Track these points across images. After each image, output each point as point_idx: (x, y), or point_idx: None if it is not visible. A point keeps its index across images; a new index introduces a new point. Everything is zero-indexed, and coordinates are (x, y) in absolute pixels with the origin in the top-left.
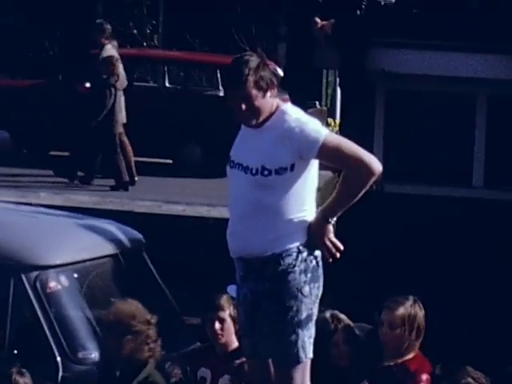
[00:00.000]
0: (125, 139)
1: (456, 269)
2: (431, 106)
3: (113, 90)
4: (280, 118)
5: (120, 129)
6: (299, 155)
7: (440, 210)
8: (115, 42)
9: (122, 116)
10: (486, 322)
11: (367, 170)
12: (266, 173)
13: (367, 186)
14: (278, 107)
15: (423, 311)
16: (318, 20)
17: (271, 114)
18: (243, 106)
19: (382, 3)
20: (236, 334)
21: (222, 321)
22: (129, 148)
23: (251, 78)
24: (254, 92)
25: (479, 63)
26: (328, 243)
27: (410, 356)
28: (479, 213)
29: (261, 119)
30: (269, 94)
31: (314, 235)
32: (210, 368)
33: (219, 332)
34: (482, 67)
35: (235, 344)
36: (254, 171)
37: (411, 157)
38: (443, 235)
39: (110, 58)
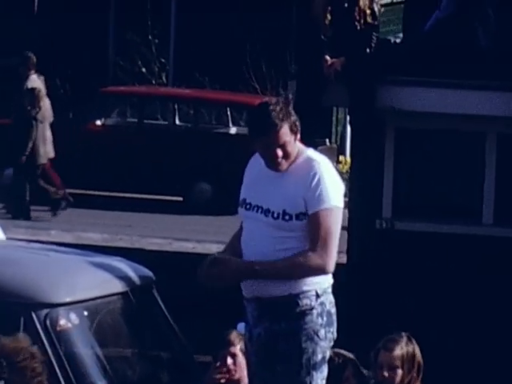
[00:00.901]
0: (51, 173)
1: (465, 305)
2: (441, 143)
3: (34, 122)
4: (306, 164)
5: (42, 161)
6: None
7: (450, 248)
8: (41, 76)
9: (46, 149)
10: (493, 358)
11: (322, 264)
12: (287, 217)
13: (307, 274)
14: (300, 151)
15: (417, 347)
16: (327, 58)
17: (295, 159)
18: (279, 153)
19: (392, 41)
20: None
21: (233, 356)
22: (58, 181)
23: (286, 125)
24: (289, 138)
25: (489, 101)
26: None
27: None
28: (489, 250)
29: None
30: (294, 137)
31: (225, 268)
32: None
33: (232, 367)
34: (491, 105)
35: (246, 380)
36: (275, 215)
37: (421, 194)
38: (452, 273)
39: (34, 89)
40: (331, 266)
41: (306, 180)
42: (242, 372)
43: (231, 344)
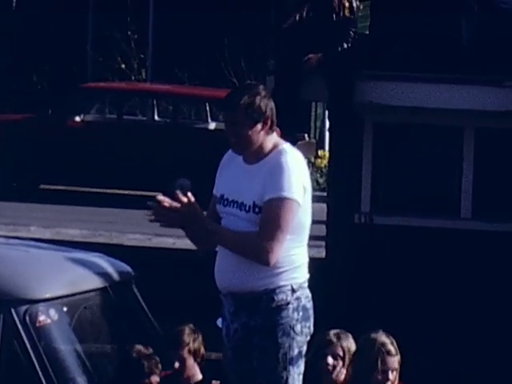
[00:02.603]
0: None
1: (443, 300)
2: (419, 138)
3: None
4: (274, 156)
5: None
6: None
7: (428, 242)
8: None
9: None
10: (473, 353)
11: (263, 251)
12: (256, 210)
13: (247, 257)
14: (276, 147)
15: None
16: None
17: (268, 153)
18: (230, 131)
19: (369, 35)
20: (199, 364)
21: (181, 360)
22: None
23: (242, 104)
24: (241, 118)
25: (466, 95)
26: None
27: None
28: (467, 244)
29: (248, 151)
30: (259, 126)
31: (190, 222)
32: None
33: (179, 369)
34: (469, 99)
35: (198, 376)
36: (247, 208)
37: (399, 189)
38: (431, 267)
39: None
40: (273, 259)
41: (269, 170)
42: (191, 370)
43: (180, 346)
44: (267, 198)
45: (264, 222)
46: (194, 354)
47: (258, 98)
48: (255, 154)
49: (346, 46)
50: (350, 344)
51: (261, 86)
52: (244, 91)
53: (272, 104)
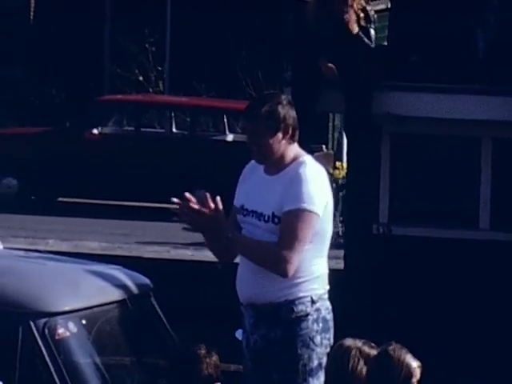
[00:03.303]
0: None
1: (462, 311)
2: (436, 148)
3: None
4: (294, 168)
5: None
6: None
7: (446, 253)
8: None
9: None
10: (491, 364)
11: (282, 261)
12: (276, 220)
13: (266, 267)
14: (297, 158)
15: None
16: (325, 61)
17: (289, 163)
18: (251, 140)
19: (386, 46)
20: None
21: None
22: None
23: (263, 113)
24: (262, 127)
25: (484, 105)
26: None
27: None
28: (486, 255)
29: (269, 160)
30: (280, 135)
31: (213, 226)
32: None
33: None
34: (486, 109)
35: None
36: (266, 218)
37: (417, 199)
38: (450, 278)
39: None
40: (290, 270)
41: (289, 181)
42: None
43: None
44: (286, 209)
45: (283, 232)
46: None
47: (279, 107)
48: (276, 164)
49: (363, 56)
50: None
51: (283, 96)
52: (265, 100)
53: (293, 113)
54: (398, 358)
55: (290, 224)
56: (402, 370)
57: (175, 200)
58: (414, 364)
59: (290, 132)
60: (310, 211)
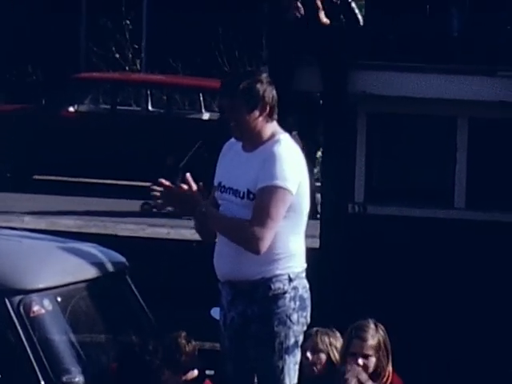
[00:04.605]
0: None
1: (436, 290)
2: (412, 128)
3: None
4: (270, 146)
5: None
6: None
7: (422, 232)
8: None
9: None
10: (465, 342)
11: (254, 238)
12: (251, 197)
13: (239, 243)
14: (274, 136)
15: (385, 332)
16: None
17: (266, 141)
18: (228, 115)
19: (362, 25)
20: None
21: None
22: None
23: (240, 89)
24: (239, 103)
25: (460, 85)
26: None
27: (386, 379)
28: (461, 234)
29: (246, 136)
30: (257, 112)
31: (185, 204)
32: None
33: None
34: (462, 89)
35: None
36: (241, 195)
37: (393, 179)
38: (424, 256)
39: None
40: (260, 247)
41: (264, 159)
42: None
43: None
44: (260, 186)
45: (255, 209)
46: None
47: (257, 84)
48: (253, 141)
49: (339, 36)
50: (333, 339)
51: (263, 74)
52: (243, 77)
53: (273, 91)
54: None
55: (262, 201)
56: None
57: (155, 188)
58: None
59: (268, 110)
60: (283, 188)
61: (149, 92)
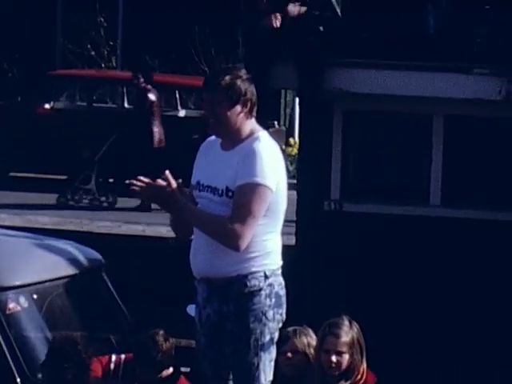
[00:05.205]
0: None
1: (412, 287)
2: (388, 125)
3: None
4: (249, 143)
5: None
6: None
7: (398, 229)
8: None
9: None
10: (439, 340)
11: (234, 235)
12: (230, 194)
13: (218, 240)
14: (253, 133)
15: (359, 329)
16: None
17: (245, 138)
18: (209, 111)
19: (339, 22)
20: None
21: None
22: None
23: (222, 83)
24: (221, 98)
25: (435, 83)
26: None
27: (360, 376)
28: (436, 231)
29: (225, 132)
30: (239, 108)
31: (164, 200)
32: None
33: None
34: (438, 87)
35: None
36: (219, 192)
37: (369, 176)
38: (401, 254)
39: None
40: (242, 243)
41: (243, 156)
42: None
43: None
44: (239, 184)
45: (235, 206)
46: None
47: (239, 81)
48: (232, 138)
49: (316, 32)
50: (310, 339)
51: (243, 70)
52: (226, 72)
53: (253, 88)
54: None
55: (242, 198)
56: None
57: (135, 182)
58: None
59: (249, 106)
60: (263, 185)
61: (125, 89)
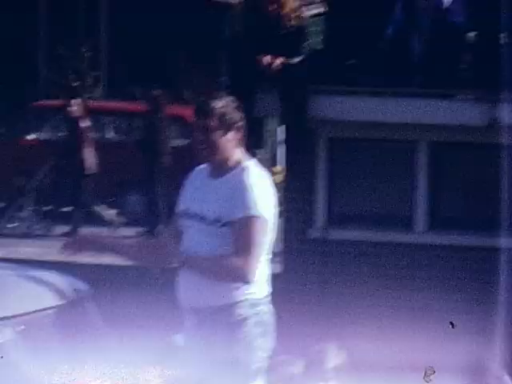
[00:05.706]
0: None
1: (399, 312)
2: (373, 152)
3: None
4: (240, 172)
5: None
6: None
7: (382, 256)
8: None
9: None
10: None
11: (242, 271)
12: (218, 224)
13: (227, 279)
14: (241, 163)
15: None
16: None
17: (233, 167)
18: (200, 137)
19: (322, 50)
20: None
21: None
22: None
23: (217, 109)
24: (215, 124)
25: (419, 109)
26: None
27: None
28: (421, 257)
29: (215, 159)
30: (230, 135)
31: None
32: None
33: None
34: (422, 113)
35: None
36: (208, 221)
37: (354, 203)
38: (386, 280)
39: None
40: (252, 276)
41: (235, 187)
42: None
43: None
44: (238, 217)
45: (239, 241)
46: None
47: (231, 107)
48: (221, 166)
49: (297, 59)
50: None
51: (231, 97)
52: (217, 99)
53: (243, 116)
54: None
55: (244, 231)
56: None
57: None
58: None
59: (240, 134)
60: (261, 217)
61: (109, 119)
